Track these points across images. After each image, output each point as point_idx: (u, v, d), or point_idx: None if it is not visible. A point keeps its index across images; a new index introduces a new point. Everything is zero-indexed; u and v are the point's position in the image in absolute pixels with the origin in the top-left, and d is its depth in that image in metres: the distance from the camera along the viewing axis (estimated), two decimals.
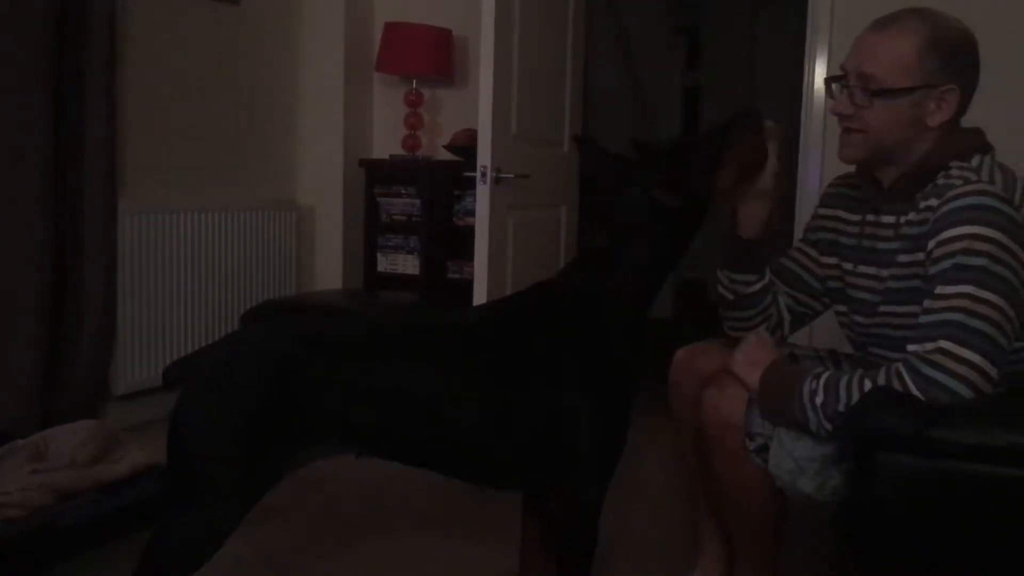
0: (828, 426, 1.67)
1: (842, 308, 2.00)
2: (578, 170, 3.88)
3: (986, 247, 1.60)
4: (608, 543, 1.79)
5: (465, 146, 3.84)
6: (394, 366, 1.63)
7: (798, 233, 2.68)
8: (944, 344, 1.57)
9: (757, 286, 1.99)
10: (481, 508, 2.62)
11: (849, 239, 1.95)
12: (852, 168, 1.94)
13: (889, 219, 1.83)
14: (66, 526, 2.29)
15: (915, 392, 1.57)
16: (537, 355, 1.66)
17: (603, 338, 1.70)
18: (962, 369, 1.55)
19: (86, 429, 2.58)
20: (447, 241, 4.15)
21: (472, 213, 3.32)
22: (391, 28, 4.06)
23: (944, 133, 1.77)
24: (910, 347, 1.63)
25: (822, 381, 1.68)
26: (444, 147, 4.13)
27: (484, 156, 3.04)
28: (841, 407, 1.64)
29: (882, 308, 1.84)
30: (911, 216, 1.76)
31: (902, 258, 1.77)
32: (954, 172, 1.72)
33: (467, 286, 3.22)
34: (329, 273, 4.28)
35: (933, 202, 1.70)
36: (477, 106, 3.06)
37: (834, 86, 1.85)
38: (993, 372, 1.57)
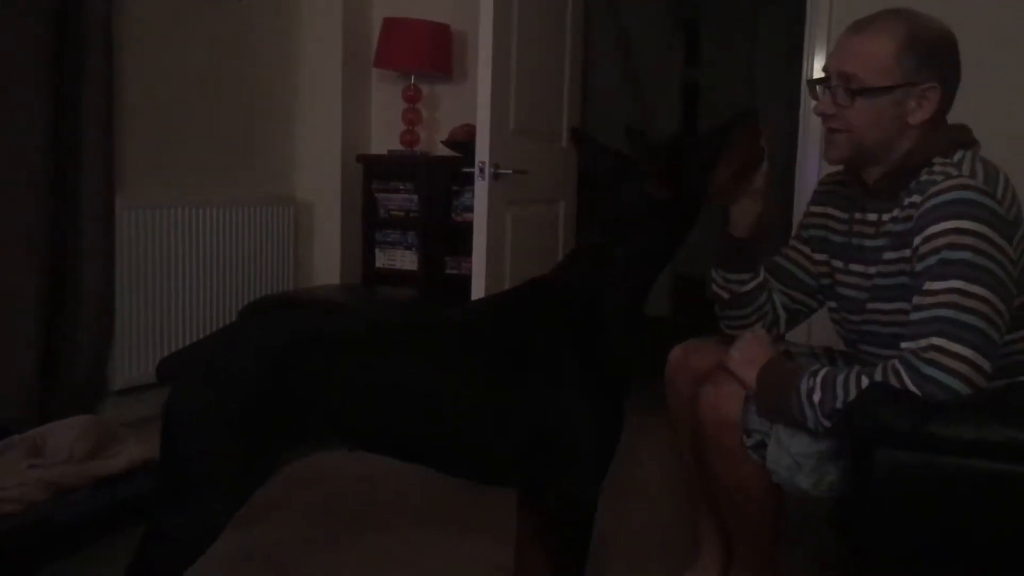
0: (826, 423, 1.67)
1: (833, 305, 2.01)
2: (576, 166, 3.89)
3: (970, 240, 1.61)
4: (606, 541, 1.79)
5: (463, 142, 3.84)
6: (391, 362, 1.63)
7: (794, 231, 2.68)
8: (936, 340, 1.58)
9: (751, 284, 1.99)
10: (477, 504, 2.62)
11: (839, 237, 1.96)
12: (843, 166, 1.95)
13: (873, 217, 1.84)
14: (63, 521, 2.29)
15: (911, 388, 1.58)
16: (534, 351, 1.66)
17: (599, 333, 1.70)
18: (956, 364, 1.56)
19: (84, 424, 2.58)
20: (445, 237, 4.14)
21: (470, 209, 3.33)
22: (389, 23, 4.06)
23: (927, 131, 1.78)
24: (903, 344, 1.63)
25: (819, 378, 1.68)
26: (442, 143, 4.13)
27: (482, 152, 3.04)
28: (838, 404, 1.64)
29: (870, 305, 1.84)
30: (895, 213, 1.77)
31: (888, 255, 1.78)
32: (936, 168, 1.72)
33: (465, 282, 3.22)
34: (327, 269, 4.28)
35: (916, 199, 1.71)
36: (475, 102, 3.06)
37: (818, 87, 1.86)
38: (986, 366, 1.58)
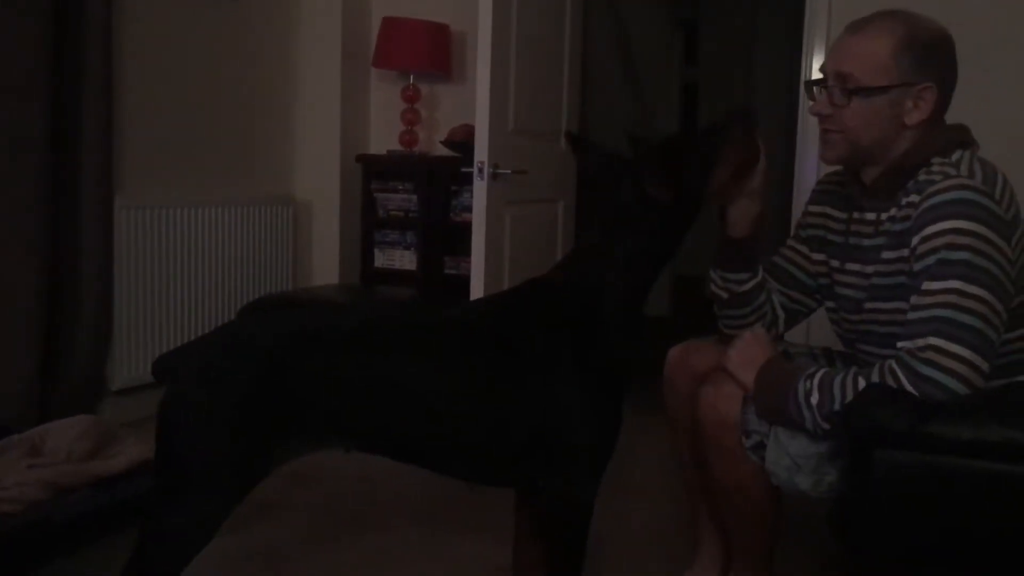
0: (825, 425, 1.67)
1: (831, 305, 2.01)
2: (575, 165, 3.88)
3: (968, 240, 1.61)
4: (605, 541, 1.79)
5: (462, 142, 3.84)
6: (389, 361, 1.63)
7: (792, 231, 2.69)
8: (934, 340, 1.58)
9: (750, 284, 1.99)
10: (476, 504, 2.62)
11: (837, 236, 1.96)
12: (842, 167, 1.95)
13: (871, 216, 1.84)
14: (62, 521, 2.29)
15: (909, 388, 1.58)
16: (533, 351, 1.66)
17: (598, 333, 1.70)
18: (953, 364, 1.56)
19: (83, 424, 2.58)
20: (444, 237, 4.14)
21: (469, 209, 3.32)
22: (388, 23, 4.06)
23: (924, 131, 1.78)
24: (900, 344, 1.63)
25: (816, 380, 1.68)
26: (441, 143, 4.13)
27: (481, 152, 3.04)
28: (836, 406, 1.64)
29: (868, 305, 1.84)
30: (893, 212, 1.77)
31: (886, 255, 1.78)
32: (935, 168, 1.73)
33: (464, 282, 3.22)
34: (326, 268, 4.28)
35: (914, 198, 1.71)
36: (475, 102, 3.06)
37: (815, 88, 1.86)
38: (984, 366, 1.58)
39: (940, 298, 1.61)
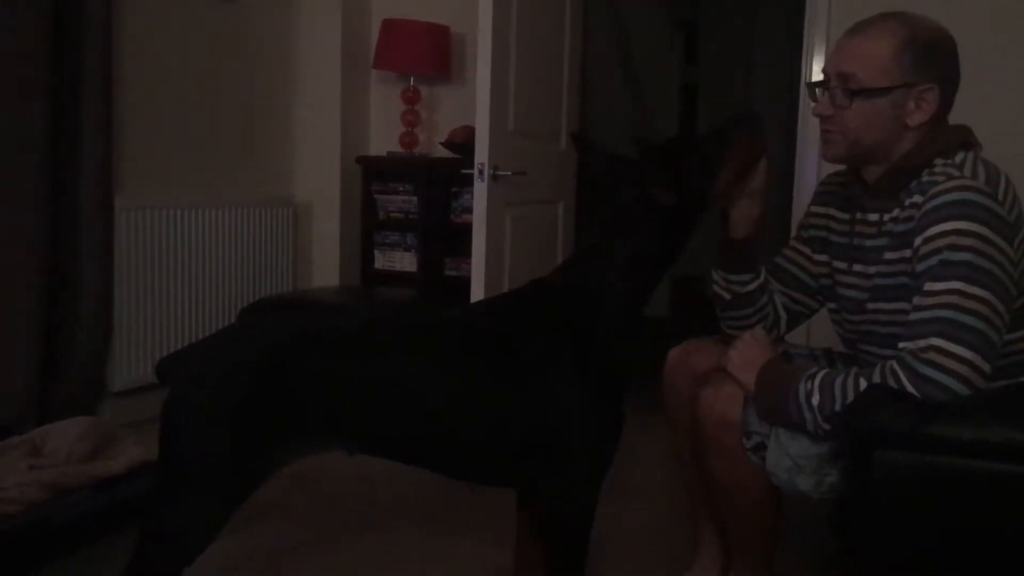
0: (826, 426, 1.67)
1: (833, 306, 2.01)
2: (575, 166, 3.88)
3: (970, 242, 1.61)
4: (605, 541, 1.79)
5: (462, 143, 3.84)
6: (390, 362, 1.63)
7: (794, 231, 2.70)
8: (936, 341, 1.58)
9: (752, 285, 1.99)
10: (476, 505, 2.62)
11: (840, 237, 1.95)
12: (844, 166, 1.95)
13: (874, 217, 1.84)
14: (62, 522, 2.29)
15: (910, 389, 1.58)
16: (533, 352, 1.66)
17: (599, 335, 1.70)
18: (955, 365, 1.56)
19: (83, 425, 2.58)
20: (444, 238, 4.14)
21: (469, 210, 3.32)
22: (388, 25, 4.06)
23: (926, 132, 1.78)
24: (902, 344, 1.63)
25: (817, 381, 1.68)
26: (441, 144, 4.13)
27: (481, 153, 3.04)
28: (837, 407, 1.64)
29: (870, 305, 1.84)
30: (896, 213, 1.77)
31: (888, 255, 1.78)
32: (938, 169, 1.72)
33: (464, 283, 3.22)
34: (326, 270, 4.28)
35: (917, 199, 1.71)
36: (475, 103, 3.06)
37: (817, 89, 1.86)
38: (986, 367, 1.58)
39: (942, 299, 1.60)
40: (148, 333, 3.45)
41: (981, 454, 1.58)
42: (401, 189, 4.16)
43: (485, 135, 3.03)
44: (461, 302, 3.21)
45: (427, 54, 4.02)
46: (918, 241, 1.67)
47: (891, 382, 1.60)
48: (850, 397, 1.63)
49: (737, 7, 7.22)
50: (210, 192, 3.73)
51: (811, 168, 3.39)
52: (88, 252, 3.15)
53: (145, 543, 1.57)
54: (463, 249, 3.58)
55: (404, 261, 4.16)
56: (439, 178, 4.10)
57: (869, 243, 1.85)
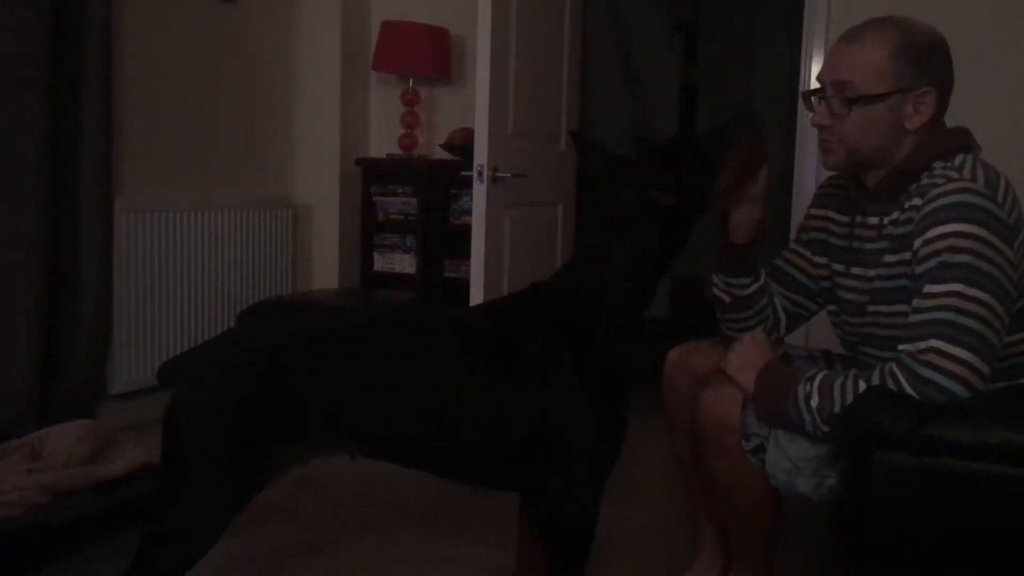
0: (824, 428, 1.67)
1: (833, 308, 2.01)
2: (575, 168, 3.89)
3: (970, 244, 1.61)
4: (605, 541, 1.79)
5: (462, 145, 3.84)
6: (389, 363, 1.63)
7: (794, 234, 2.70)
8: (935, 343, 1.58)
9: (752, 288, 1.99)
10: (477, 507, 2.62)
11: (840, 240, 1.96)
12: None
13: (873, 220, 1.84)
14: (61, 524, 2.29)
15: (909, 391, 1.58)
16: (533, 352, 1.66)
17: (598, 335, 1.70)
18: (954, 367, 1.56)
19: (82, 428, 2.58)
20: (444, 240, 4.15)
21: (469, 212, 3.32)
22: (388, 27, 4.06)
23: (925, 135, 1.78)
24: (901, 347, 1.63)
25: (816, 383, 1.68)
26: (441, 146, 4.13)
27: (480, 155, 3.04)
28: (836, 409, 1.64)
29: (870, 308, 1.84)
30: (895, 216, 1.77)
31: (888, 258, 1.78)
32: (937, 172, 1.72)
33: (464, 285, 3.22)
34: (325, 272, 4.28)
35: (917, 202, 1.71)
36: (474, 105, 3.06)
37: (812, 98, 1.86)
38: (985, 369, 1.58)
39: (941, 301, 1.60)
40: (147, 335, 3.45)
41: (980, 456, 1.59)
42: (400, 191, 4.16)
43: (484, 137, 3.03)
44: (461, 304, 3.21)
45: (426, 56, 4.02)
46: (917, 243, 1.67)
47: (890, 384, 1.60)
48: (849, 399, 1.63)
49: (737, 7, 7.23)
50: (209, 193, 3.73)
51: (810, 170, 3.39)
52: (88, 252, 3.14)
53: (147, 545, 1.57)
54: (462, 251, 3.59)
55: (403, 263, 4.16)
56: (438, 180, 4.10)
57: (869, 246, 1.85)
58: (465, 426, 1.66)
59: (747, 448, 1.81)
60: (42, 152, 2.94)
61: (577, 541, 1.72)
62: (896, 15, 1.80)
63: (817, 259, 2.03)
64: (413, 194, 4.12)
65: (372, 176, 4.23)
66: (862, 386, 1.63)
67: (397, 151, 4.18)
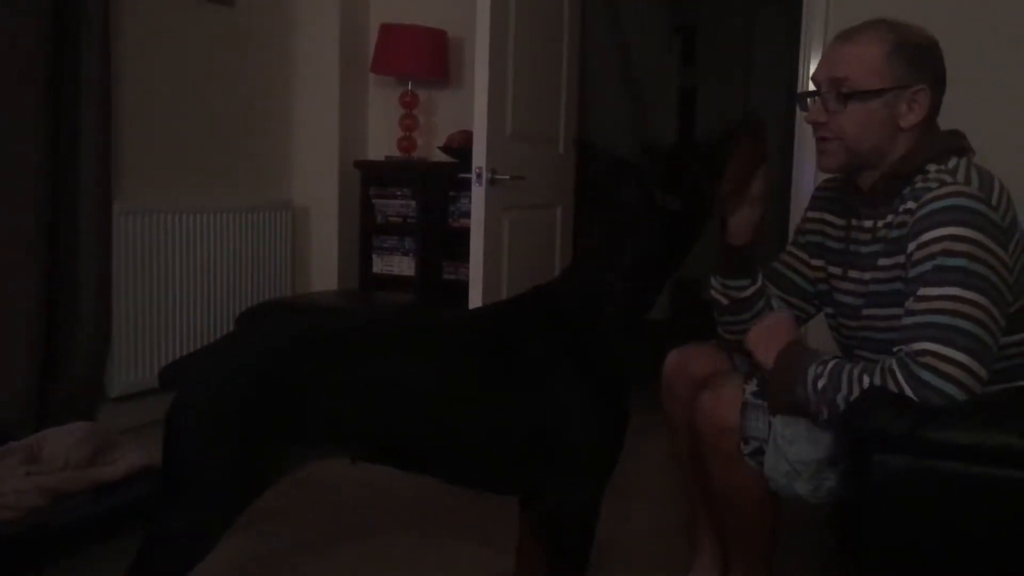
0: (824, 412, 1.67)
1: (830, 311, 2.01)
2: (574, 170, 3.89)
3: (965, 247, 1.61)
4: (604, 542, 1.79)
5: (460, 147, 3.84)
6: (389, 363, 1.63)
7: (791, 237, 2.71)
8: (931, 346, 1.58)
9: (750, 291, 1.99)
10: (477, 511, 2.62)
11: (835, 243, 1.96)
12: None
13: (868, 223, 1.85)
14: (61, 527, 2.29)
15: (908, 393, 1.58)
16: (533, 352, 1.66)
17: (599, 337, 1.70)
18: (951, 370, 1.56)
19: (81, 431, 2.58)
20: (443, 242, 4.15)
21: (467, 214, 3.32)
22: (386, 29, 4.06)
23: (919, 135, 1.79)
24: (897, 348, 1.63)
25: (828, 367, 1.68)
26: (439, 148, 4.13)
27: (479, 157, 3.04)
28: (839, 398, 1.64)
29: (865, 311, 1.85)
30: (890, 219, 1.78)
31: (883, 261, 1.78)
32: (931, 175, 1.73)
33: (463, 287, 3.22)
34: (324, 274, 4.28)
35: (911, 205, 1.71)
36: (472, 107, 3.06)
37: (808, 100, 1.87)
38: (982, 372, 1.58)
39: (937, 304, 1.61)
40: (146, 338, 3.45)
41: (978, 458, 1.59)
42: (399, 193, 4.16)
43: (483, 139, 3.04)
44: (459, 306, 3.21)
45: (425, 58, 4.02)
46: (912, 247, 1.68)
47: (890, 384, 1.60)
48: (855, 391, 1.64)
49: (735, 9, 7.24)
50: (208, 197, 3.73)
51: (809, 173, 3.38)
52: (87, 253, 3.14)
53: (147, 547, 1.57)
54: (461, 253, 3.59)
55: (402, 265, 4.16)
56: (437, 182, 4.10)
57: (864, 249, 1.85)
58: (465, 426, 1.66)
59: (746, 451, 1.81)
60: (41, 153, 2.95)
61: (578, 542, 1.72)
62: (890, 18, 1.82)
63: (814, 262, 2.03)
64: (412, 196, 4.12)
65: (371, 178, 4.23)
66: (866, 381, 1.63)
67: (396, 153, 4.18)
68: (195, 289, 3.63)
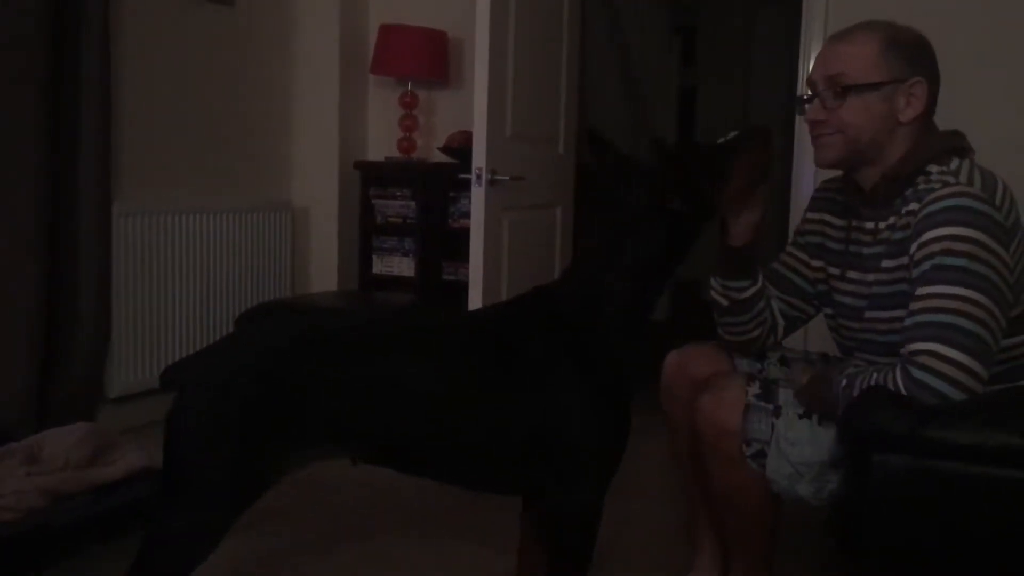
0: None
1: (830, 311, 2.01)
2: (573, 170, 3.89)
3: (966, 247, 1.61)
4: (604, 543, 1.79)
5: (460, 148, 3.84)
6: (389, 363, 1.63)
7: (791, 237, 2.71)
8: (932, 345, 1.58)
9: (750, 291, 1.99)
10: (478, 513, 2.62)
11: (835, 244, 1.96)
12: (840, 172, 1.95)
13: (870, 225, 1.85)
14: (60, 528, 2.29)
15: (905, 393, 1.58)
16: (533, 352, 1.66)
17: (600, 336, 1.70)
18: (951, 370, 1.56)
19: (81, 431, 2.57)
20: (442, 243, 4.14)
21: (467, 215, 3.32)
22: (386, 30, 4.06)
23: (919, 133, 1.80)
24: (901, 350, 1.63)
25: (847, 373, 1.73)
26: (439, 149, 4.13)
27: (479, 158, 3.04)
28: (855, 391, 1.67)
29: (868, 314, 1.85)
30: (892, 221, 1.78)
31: (886, 263, 1.78)
32: (934, 176, 1.74)
33: (463, 288, 3.22)
34: (324, 275, 4.28)
35: (914, 206, 1.72)
36: (472, 108, 3.06)
37: (806, 104, 1.87)
38: (982, 372, 1.58)
39: (938, 303, 1.61)
40: (146, 339, 3.45)
41: (979, 458, 1.59)
42: (399, 194, 4.16)
43: (483, 140, 3.04)
44: (459, 307, 3.21)
45: (425, 59, 4.02)
46: (913, 247, 1.68)
47: (890, 385, 1.61)
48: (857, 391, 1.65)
49: (735, 10, 7.24)
50: (208, 197, 3.73)
51: (809, 173, 3.39)
52: (86, 257, 3.14)
53: (147, 548, 1.57)
54: (461, 254, 3.58)
55: (402, 266, 4.16)
56: (437, 183, 4.10)
57: (866, 251, 1.85)
58: (465, 427, 1.66)
59: (748, 453, 1.81)
60: (41, 153, 2.95)
61: (578, 543, 1.72)
62: (879, 19, 1.84)
63: (813, 262, 2.03)
64: (412, 197, 4.12)
65: (371, 179, 4.22)
66: (874, 377, 1.64)
67: (396, 154, 4.18)
68: (195, 290, 3.63)
